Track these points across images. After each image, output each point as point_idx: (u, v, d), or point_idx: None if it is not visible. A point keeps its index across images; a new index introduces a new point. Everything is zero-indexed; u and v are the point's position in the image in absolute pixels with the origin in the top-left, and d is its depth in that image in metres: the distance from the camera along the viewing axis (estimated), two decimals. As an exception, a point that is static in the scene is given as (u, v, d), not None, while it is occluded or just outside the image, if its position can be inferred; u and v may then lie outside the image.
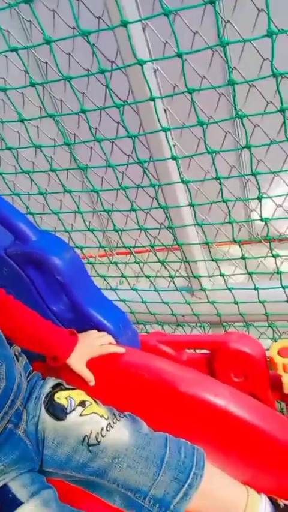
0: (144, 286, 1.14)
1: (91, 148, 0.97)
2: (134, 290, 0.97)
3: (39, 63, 1.19)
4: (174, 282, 1.06)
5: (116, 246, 1.10)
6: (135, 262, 1.07)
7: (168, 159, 0.82)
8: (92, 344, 0.70)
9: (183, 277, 1.10)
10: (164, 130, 0.77)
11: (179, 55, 0.64)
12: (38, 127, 1.02)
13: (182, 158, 0.84)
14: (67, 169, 0.95)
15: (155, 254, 1.02)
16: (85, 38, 0.65)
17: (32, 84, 0.75)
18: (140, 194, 0.94)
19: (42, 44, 0.68)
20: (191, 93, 0.68)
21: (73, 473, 0.60)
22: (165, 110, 0.82)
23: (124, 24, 0.64)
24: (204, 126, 0.72)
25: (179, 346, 0.99)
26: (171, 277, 1.08)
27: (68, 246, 0.76)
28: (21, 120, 0.83)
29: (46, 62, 0.85)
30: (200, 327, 1.27)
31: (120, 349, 0.69)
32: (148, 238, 0.99)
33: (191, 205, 0.88)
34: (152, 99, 0.73)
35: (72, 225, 1.11)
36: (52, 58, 0.70)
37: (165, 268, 1.11)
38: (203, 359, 0.97)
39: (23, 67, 0.74)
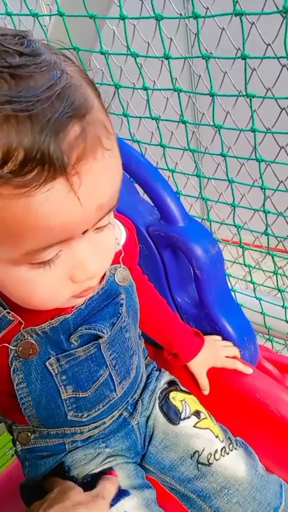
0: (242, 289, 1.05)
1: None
2: (258, 299, 0.89)
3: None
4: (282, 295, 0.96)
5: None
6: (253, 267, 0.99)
7: None
8: (217, 353, 0.65)
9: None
10: None
11: None
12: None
13: None
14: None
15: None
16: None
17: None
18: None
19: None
20: None
21: (172, 482, 0.57)
22: None
23: None
24: None
25: (285, 370, 0.91)
26: (281, 291, 0.98)
27: (215, 241, 0.69)
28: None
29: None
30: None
31: (248, 370, 0.63)
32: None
33: None
34: None
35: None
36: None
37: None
38: (309, 392, 0.88)
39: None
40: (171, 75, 0.63)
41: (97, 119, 0.30)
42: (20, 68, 0.26)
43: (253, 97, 0.58)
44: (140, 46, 0.94)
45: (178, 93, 0.64)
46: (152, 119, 0.71)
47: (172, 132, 1.05)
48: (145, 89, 0.66)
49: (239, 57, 0.52)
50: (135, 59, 0.63)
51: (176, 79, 0.98)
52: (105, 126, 0.31)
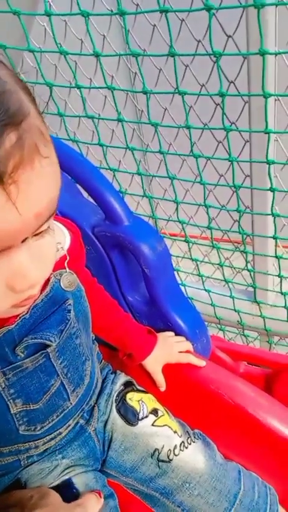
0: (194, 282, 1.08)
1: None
2: (207, 291, 0.91)
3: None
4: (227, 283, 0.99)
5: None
6: (194, 259, 1.01)
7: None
8: (171, 349, 0.65)
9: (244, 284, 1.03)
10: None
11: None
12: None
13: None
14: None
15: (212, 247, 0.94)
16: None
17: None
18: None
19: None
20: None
21: (135, 484, 0.57)
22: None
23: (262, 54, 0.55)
24: None
25: (238, 357, 0.94)
26: (228, 282, 1.01)
27: (161, 238, 0.70)
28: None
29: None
30: (243, 335, 1.21)
31: (201, 362, 0.64)
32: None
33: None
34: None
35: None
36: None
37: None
38: (261, 376, 0.92)
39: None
40: (103, 73, 0.62)
41: (33, 125, 0.29)
42: None
43: (185, 94, 0.58)
44: (75, 43, 0.92)
45: (112, 92, 0.63)
46: (88, 118, 0.70)
47: (113, 130, 1.04)
48: (78, 87, 0.65)
49: (167, 55, 0.52)
50: (64, 57, 0.61)
51: (113, 76, 0.97)
52: (42, 132, 0.30)
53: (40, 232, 0.34)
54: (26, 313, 0.44)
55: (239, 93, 0.72)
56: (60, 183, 0.33)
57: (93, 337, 0.65)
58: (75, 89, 0.76)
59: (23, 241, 0.32)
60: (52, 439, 0.52)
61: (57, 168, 0.33)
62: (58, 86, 0.70)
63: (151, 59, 0.77)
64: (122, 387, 0.62)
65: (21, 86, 0.31)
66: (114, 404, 0.60)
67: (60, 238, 0.51)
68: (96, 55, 0.58)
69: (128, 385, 0.63)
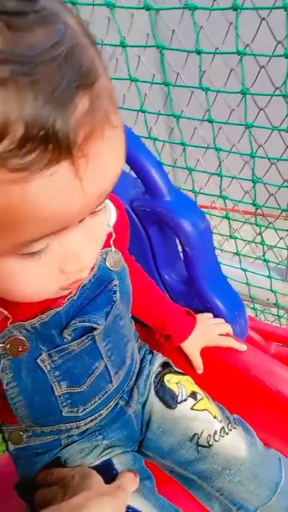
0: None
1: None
2: (243, 270, 0.87)
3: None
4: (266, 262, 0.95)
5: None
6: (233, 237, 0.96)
7: None
8: (210, 331, 0.63)
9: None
10: None
11: None
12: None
13: None
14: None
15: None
16: None
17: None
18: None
19: None
20: None
21: (173, 466, 0.57)
22: None
23: None
24: None
25: (271, 338, 0.92)
26: (267, 261, 0.96)
27: (203, 214, 0.65)
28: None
29: None
30: (269, 314, 1.18)
31: (242, 347, 0.62)
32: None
33: None
34: None
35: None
36: None
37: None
38: (293, 358, 0.90)
39: None
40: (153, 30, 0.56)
41: (105, 88, 0.25)
42: (17, 16, 0.20)
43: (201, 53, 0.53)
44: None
45: (161, 51, 0.57)
46: (132, 81, 0.64)
47: (145, 94, 0.98)
48: (123, 45, 0.59)
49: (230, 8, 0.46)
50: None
51: (148, 35, 0.89)
52: (112, 97, 0.26)
53: (97, 211, 0.31)
54: (74, 295, 0.42)
55: None
56: (125, 157, 0.29)
57: (130, 316, 0.63)
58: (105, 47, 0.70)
59: (80, 221, 0.29)
60: (92, 420, 0.51)
61: (124, 140, 0.29)
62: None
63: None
64: (159, 368, 0.60)
65: (91, 39, 0.26)
66: (152, 386, 0.58)
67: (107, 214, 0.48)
68: (148, 8, 0.52)
69: (165, 366, 0.61)
